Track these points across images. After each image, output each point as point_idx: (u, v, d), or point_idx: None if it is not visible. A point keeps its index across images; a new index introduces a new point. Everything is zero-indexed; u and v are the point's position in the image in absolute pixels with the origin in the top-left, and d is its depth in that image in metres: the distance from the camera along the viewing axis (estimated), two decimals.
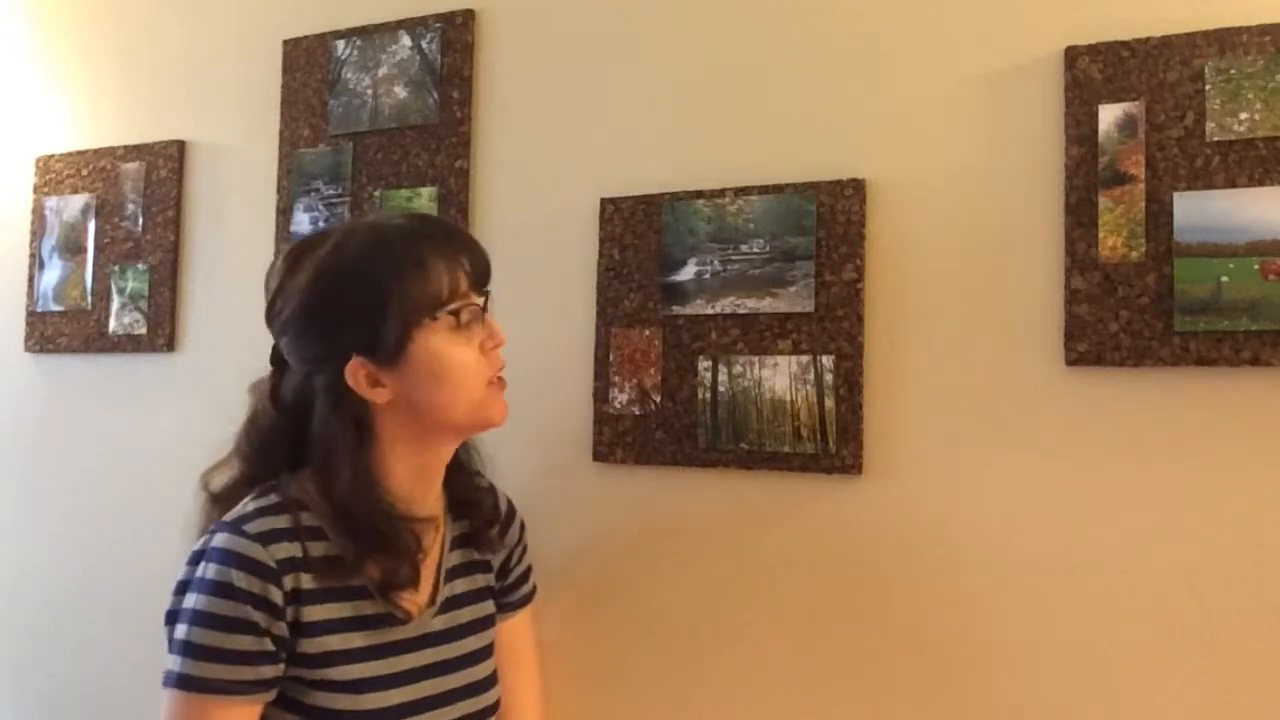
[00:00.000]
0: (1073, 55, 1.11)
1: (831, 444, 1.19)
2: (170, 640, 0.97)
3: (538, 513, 1.35)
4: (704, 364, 1.26)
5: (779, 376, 1.22)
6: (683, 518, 1.27)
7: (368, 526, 0.99)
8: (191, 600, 0.96)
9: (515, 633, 1.21)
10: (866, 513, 1.18)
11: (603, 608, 1.31)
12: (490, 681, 1.12)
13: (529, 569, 1.24)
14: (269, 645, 0.95)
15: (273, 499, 1.00)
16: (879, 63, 1.21)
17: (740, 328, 1.25)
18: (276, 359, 1.06)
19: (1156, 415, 1.07)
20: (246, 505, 1.00)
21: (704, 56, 1.30)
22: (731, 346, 1.25)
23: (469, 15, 1.44)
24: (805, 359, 1.21)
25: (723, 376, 1.25)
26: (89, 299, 1.70)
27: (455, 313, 1.00)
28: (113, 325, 1.68)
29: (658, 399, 1.28)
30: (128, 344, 1.67)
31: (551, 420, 1.36)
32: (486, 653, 1.13)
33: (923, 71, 1.19)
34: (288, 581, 0.95)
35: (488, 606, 1.15)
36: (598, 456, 1.32)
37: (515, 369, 1.38)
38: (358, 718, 0.98)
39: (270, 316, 1.04)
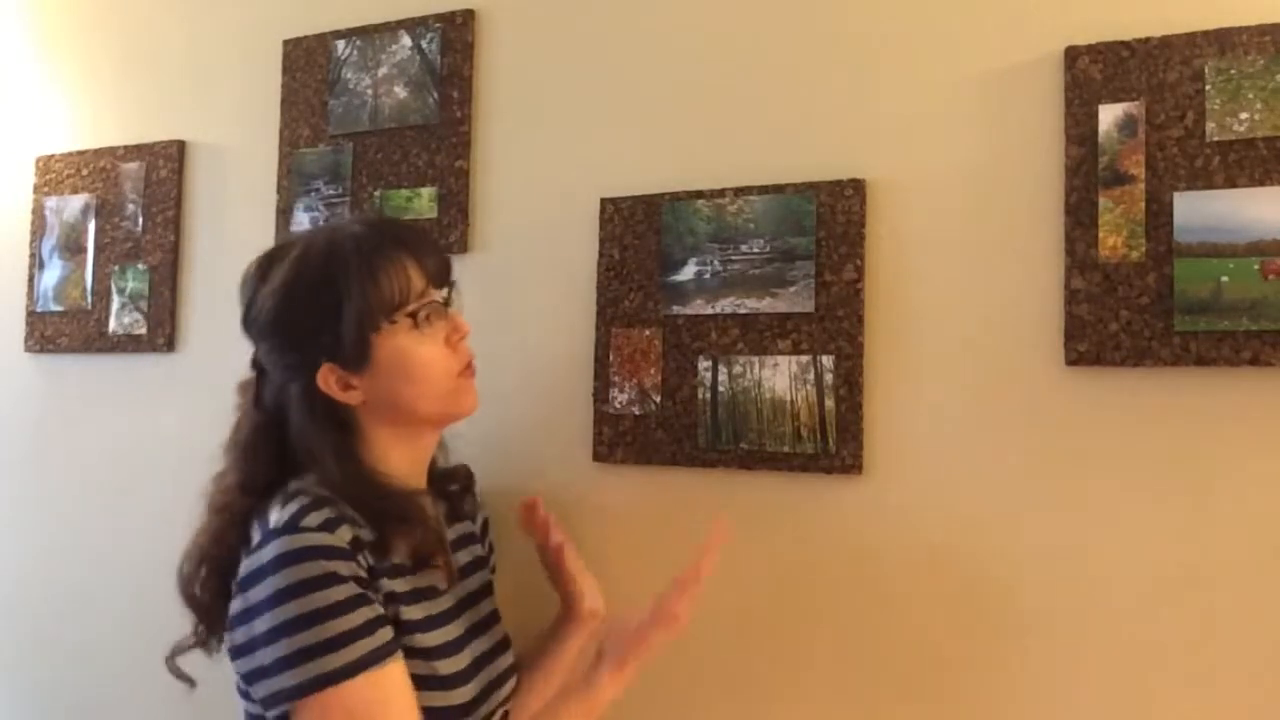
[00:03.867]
0: (1073, 55, 1.11)
1: (831, 444, 1.19)
2: (257, 669, 0.92)
3: None
4: (704, 364, 1.26)
5: (779, 376, 1.22)
6: (683, 518, 1.27)
7: (374, 506, 1.02)
8: (278, 615, 0.91)
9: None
10: (866, 513, 1.18)
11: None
12: (508, 642, 1.16)
13: (492, 541, 1.30)
14: (381, 610, 0.96)
15: (304, 499, 0.99)
16: (879, 63, 1.21)
17: (740, 328, 1.25)
18: (257, 364, 1.10)
19: (1156, 415, 1.07)
20: (282, 514, 0.98)
21: (704, 57, 1.30)
22: (731, 346, 1.25)
23: (469, 15, 1.44)
24: (805, 359, 1.21)
25: (723, 376, 1.25)
26: (89, 299, 1.70)
27: (413, 314, 1.04)
28: (113, 325, 1.68)
29: (658, 399, 1.28)
30: (128, 344, 1.67)
31: (551, 420, 1.36)
32: (499, 615, 1.18)
33: (923, 71, 1.19)
34: (361, 560, 0.97)
35: (485, 575, 1.20)
36: (598, 456, 1.32)
37: (515, 369, 1.39)
38: (429, 683, 0.99)
39: (246, 325, 1.08)
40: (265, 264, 1.07)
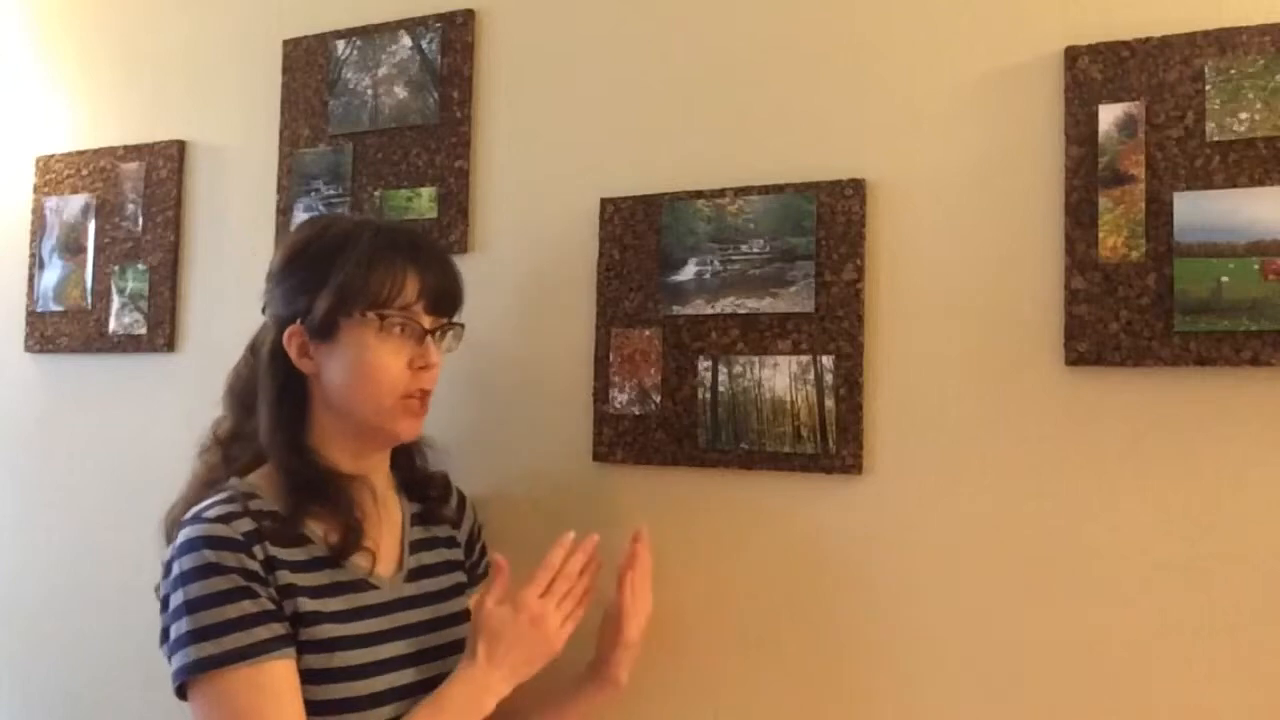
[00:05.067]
0: (1073, 55, 1.11)
1: (831, 444, 1.19)
2: (171, 652, 0.99)
3: (538, 513, 1.35)
4: (704, 364, 1.26)
5: (779, 376, 1.22)
6: (683, 518, 1.27)
7: (297, 477, 1.05)
8: (178, 598, 0.98)
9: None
10: (866, 513, 1.18)
11: (601, 607, 1.31)
12: (449, 650, 1.14)
13: (485, 546, 1.30)
14: (269, 605, 0.98)
15: (223, 493, 1.05)
16: (879, 62, 1.21)
17: (740, 328, 1.25)
18: (265, 309, 1.16)
19: (1156, 415, 1.07)
20: (202, 503, 1.05)
21: (704, 56, 1.30)
22: (731, 346, 1.25)
23: (469, 15, 1.44)
24: (805, 359, 1.21)
25: (723, 376, 1.25)
26: (89, 299, 1.70)
27: (383, 316, 1.06)
28: (113, 325, 1.68)
29: (658, 399, 1.28)
30: (128, 344, 1.67)
31: (551, 420, 1.36)
32: (466, 616, 1.17)
33: (923, 71, 1.19)
34: (257, 551, 1.00)
35: (456, 577, 1.21)
36: (598, 456, 1.32)
37: (515, 369, 1.39)
38: (327, 675, 1.01)
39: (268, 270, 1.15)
40: (303, 225, 1.17)
